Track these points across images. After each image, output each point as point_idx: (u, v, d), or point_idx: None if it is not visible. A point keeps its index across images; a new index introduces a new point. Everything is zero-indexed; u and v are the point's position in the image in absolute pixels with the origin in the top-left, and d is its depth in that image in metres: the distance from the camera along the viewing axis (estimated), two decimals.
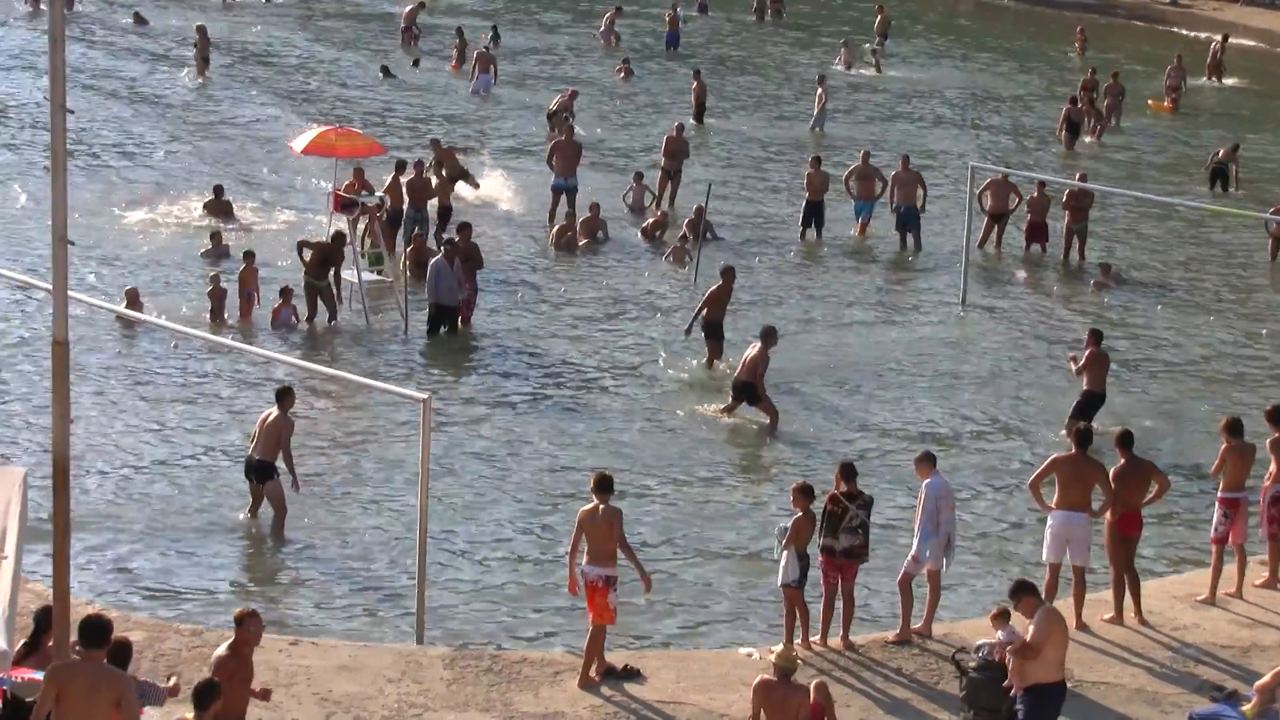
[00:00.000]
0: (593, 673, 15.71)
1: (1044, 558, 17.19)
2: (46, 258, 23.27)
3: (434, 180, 31.81)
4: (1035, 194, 32.49)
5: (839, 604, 16.54)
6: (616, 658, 16.12)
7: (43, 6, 49.01)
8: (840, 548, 16.36)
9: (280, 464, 19.21)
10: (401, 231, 29.83)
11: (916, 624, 16.79)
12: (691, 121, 41.64)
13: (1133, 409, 24.23)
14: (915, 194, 32.85)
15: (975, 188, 31.13)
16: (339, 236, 27.33)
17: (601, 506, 15.68)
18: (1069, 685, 14.58)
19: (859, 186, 33.34)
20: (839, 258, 32.36)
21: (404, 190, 30.71)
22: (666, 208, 34.31)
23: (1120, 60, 53.52)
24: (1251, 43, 58.53)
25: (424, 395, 17.41)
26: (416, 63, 48.59)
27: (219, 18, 53.02)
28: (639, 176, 35.08)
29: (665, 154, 35.35)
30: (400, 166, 31.16)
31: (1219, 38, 55.03)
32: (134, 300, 25.36)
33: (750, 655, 16.28)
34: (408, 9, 52.59)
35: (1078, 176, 34.20)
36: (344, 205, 28.40)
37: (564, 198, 33.12)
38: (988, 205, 32.41)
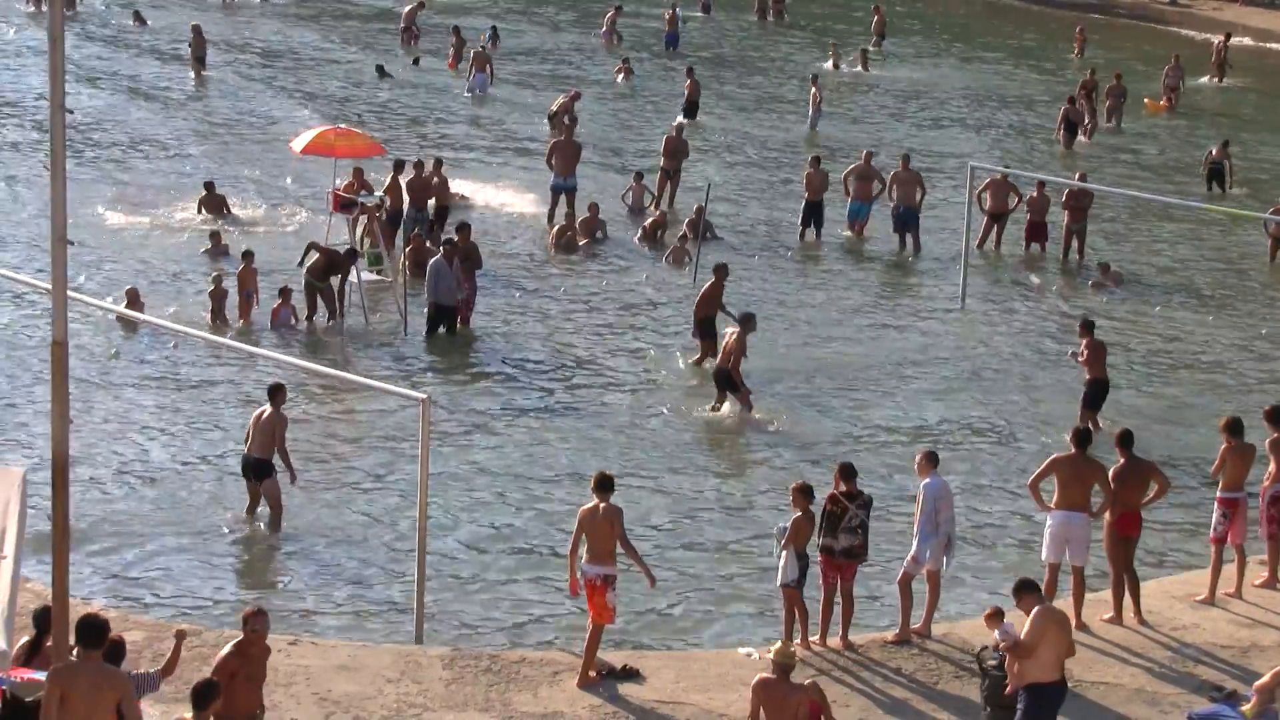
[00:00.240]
0: (592, 673, 15.71)
1: (1043, 558, 17.19)
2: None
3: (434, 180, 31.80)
4: (1035, 194, 32.50)
5: (838, 604, 16.54)
6: (616, 658, 16.13)
7: (44, 8, 49.00)
8: (839, 548, 16.36)
9: (277, 461, 19.24)
10: (401, 231, 29.81)
11: (916, 624, 16.79)
12: (683, 120, 41.78)
13: (1132, 409, 24.24)
14: (915, 194, 32.86)
15: (974, 188, 31.11)
16: (352, 253, 27.32)
17: (602, 505, 15.69)
18: (1068, 685, 14.56)
19: (857, 186, 33.33)
20: (838, 258, 32.37)
21: (404, 190, 30.70)
22: (666, 208, 34.31)
23: (1122, 59, 53.54)
24: (1251, 42, 58.51)
25: (423, 395, 17.42)
26: (417, 61, 48.59)
27: (219, 18, 53.04)
28: (639, 176, 35.08)
29: (665, 154, 35.34)
30: (399, 166, 31.15)
31: (1221, 37, 55.02)
32: (134, 300, 25.36)
33: (750, 655, 16.27)
34: (407, 9, 52.60)
35: (1077, 176, 34.20)
36: (344, 205, 28.43)
37: (563, 198, 33.12)
38: (987, 205, 32.41)
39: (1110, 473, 17.07)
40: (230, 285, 26.48)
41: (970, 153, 39.61)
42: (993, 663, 14.81)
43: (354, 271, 27.00)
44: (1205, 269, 32.66)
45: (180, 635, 13.79)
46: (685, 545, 19.54)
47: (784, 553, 16.17)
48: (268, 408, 19.34)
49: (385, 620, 17.46)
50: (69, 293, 12.01)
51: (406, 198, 30.69)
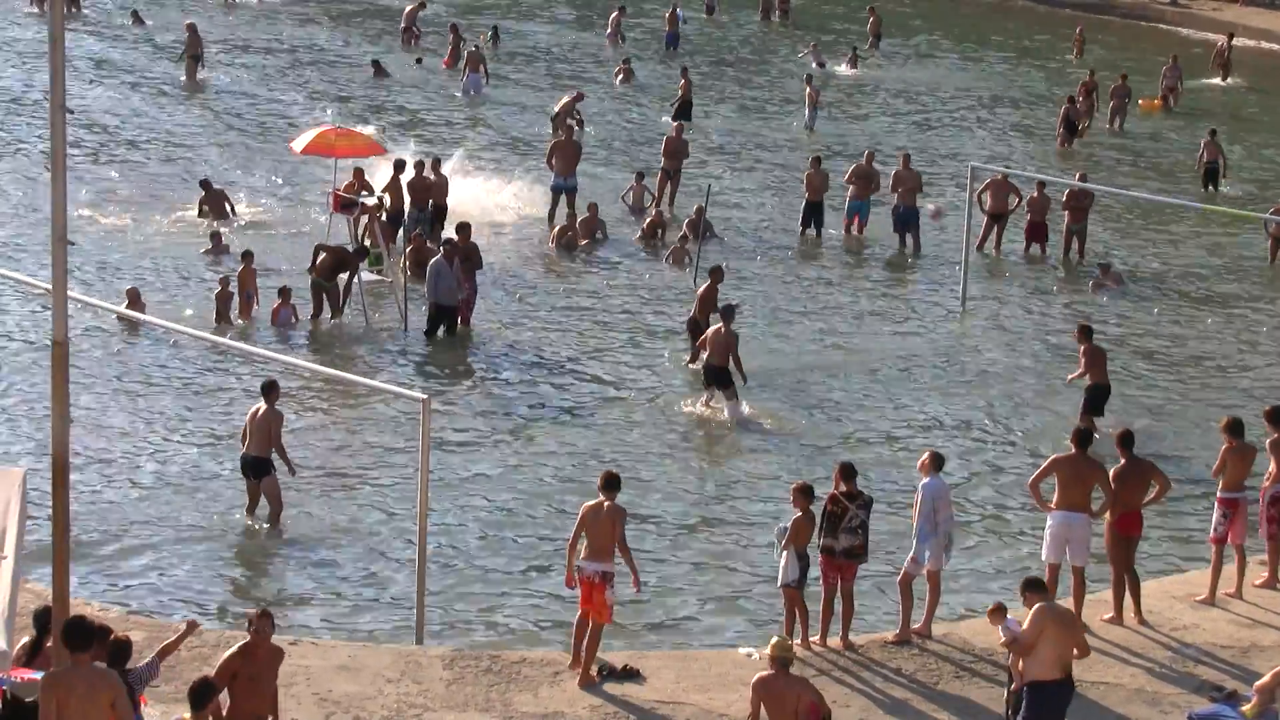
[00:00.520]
0: (592, 671, 15.72)
1: (1043, 558, 17.17)
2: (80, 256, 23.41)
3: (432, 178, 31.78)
4: (1035, 194, 32.50)
5: (839, 604, 16.54)
6: (617, 658, 16.13)
7: (45, 8, 48.97)
8: (840, 548, 16.36)
9: (275, 458, 19.25)
10: (402, 231, 29.80)
11: (916, 624, 16.80)
12: (674, 120, 41.92)
13: (1132, 409, 24.25)
14: (916, 194, 32.88)
15: (975, 188, 31.10)
16: (361, 250, 27.33)
17: (606, 503, 15.73)
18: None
19: (857, 185, 33.31)
20: (838, 258, 32.37)
21: (404, 190, 30.69)
22: (666, 208, 34.32)
23: (1122, 59, 53.53)
24: (1251, 42, 58.50)
25: (423, 395, 17.43)
26: (419, 61, 48.60)
27: (220, 18, 53.02)
28: (639, 177, 35.09)
29: (665, 154, 35.34)
30: (399, 166, 31.14)
31: (1224, 36, 55.06)
32: (135, 300, 25.36)
33: (750, 655, 16.27)
34: (408, 8, 52.59)
35: (1077, 176, 34.21)
36: (344, 205, 28.41)
37: (564, 198, 33.12)
38: (987, 205, 32.41)
39: (1111, 473, 17.07)
40: (233, 287, 26.46)
41: (962, 152, 39.65)
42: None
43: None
44: (1206, 269, 32.64)
45: (191, 625, 13.80)
46: (685, 545, 19.55)
47: (784, 553, 16.17)
48: (262, 405, 19.37)
49: (385, 620, 17.46)
50: (69, 293, 12.00)
51: (407, 198, 30.68)
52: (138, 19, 51.69)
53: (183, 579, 18.18)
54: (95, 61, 46.07)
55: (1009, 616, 14.50)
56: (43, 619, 12.72)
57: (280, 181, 34.74)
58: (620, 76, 48.05)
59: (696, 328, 25.32)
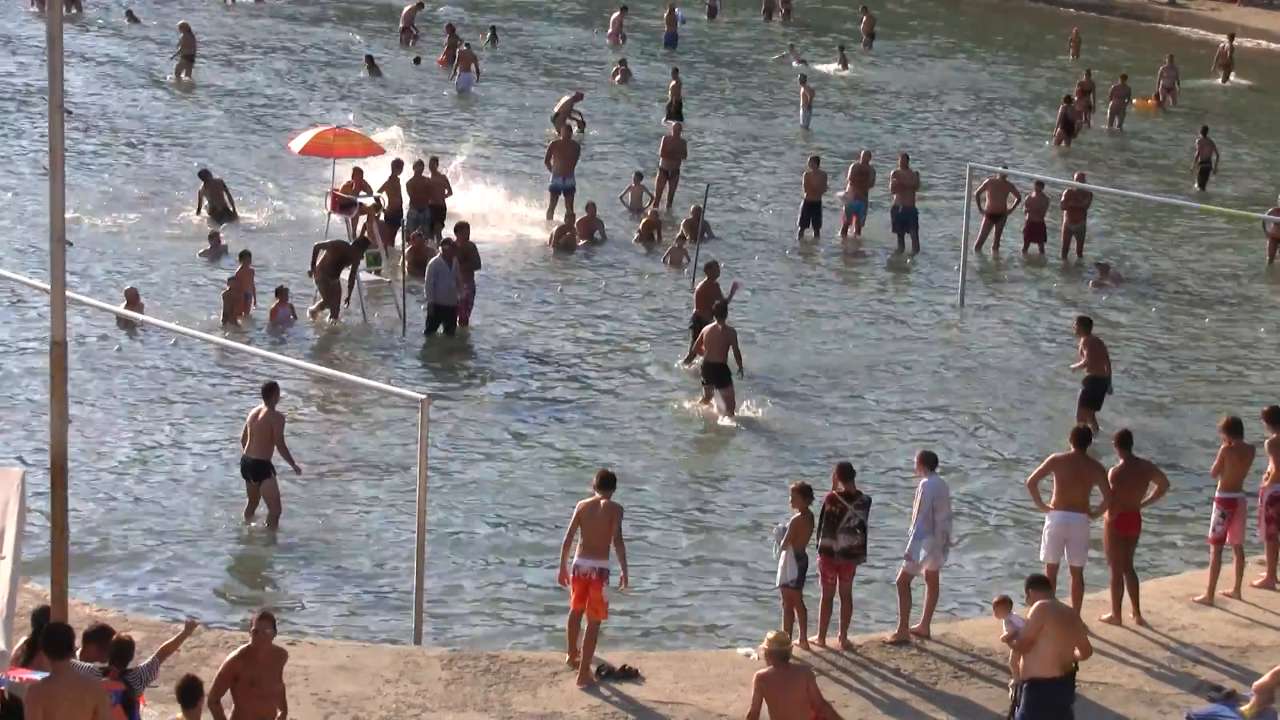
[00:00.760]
0: (591, 670, 15.73)
1: (1041, 558, 17.15)
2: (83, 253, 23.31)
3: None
4: (1034, 194, 32.51)
5: (837, 604, 16.54)
6: (616, 658, 16.14)
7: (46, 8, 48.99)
8: (839, 548, 16.36)
9: (275, 461, 19.23)
10: (401, 231, 29.78)
11: (915, 624, 16.80)
12: (666, 119, 42.14)
13: (1131, 409, 24.25)
14: (915, 194, 32.89)
15: (973, 188, 31.10)
16: (361, 242, 27.36)
17: (603, 501, 15.77)
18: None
19: (854, 184, 33.32)
20: (837, 257, 32.38)
21: (403, 190, 30.69)
22: (665, 208, 34.32)
23: (1122, 59, 53.54)
24: (1249, 42, 58.52)
25: (422, 395, 17.43)
26: (418, 61, 48.62)
27: (219, 17, 53.02)
28: (638, 177, 35.09)
29: (663, 154, 35.34)
30: (397, 166, 31.14)
31: (1226, 37, 55.14)
32: (134, 300, 25.35)
33: (749, 655, 16.26)
34: (406, 9, 52.62)
35: (1076, 176, 34.21)
36: (342, 205, 28.42)
37: (562, 198, 33.13)
38: (986, 205, 32.41)
39: (1109, 473, 17.06)
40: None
41: (960, 152, 39.67)
42: None
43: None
44: (1205, 269, 32.66)
45: (190, 626, 13.80)
46: (683, 545, 19.56)
47: (783, 553, 16.18)
48: (263, 407, 19.34)
49: (384, 620, 17.46)
50: (68, 293, 12.00)
51: (406, 198, 30.68)
52: (133, 18, 51.74)
53: (182, 580, 18.17)
54: (95, 62, 46.02)
55: (1013, 612, 14.52)
56: (42, 619, 12.72)
57: (277, 183, 34.70)
58: (618, 77, 48.09)
59: (700, 325, 25.33)
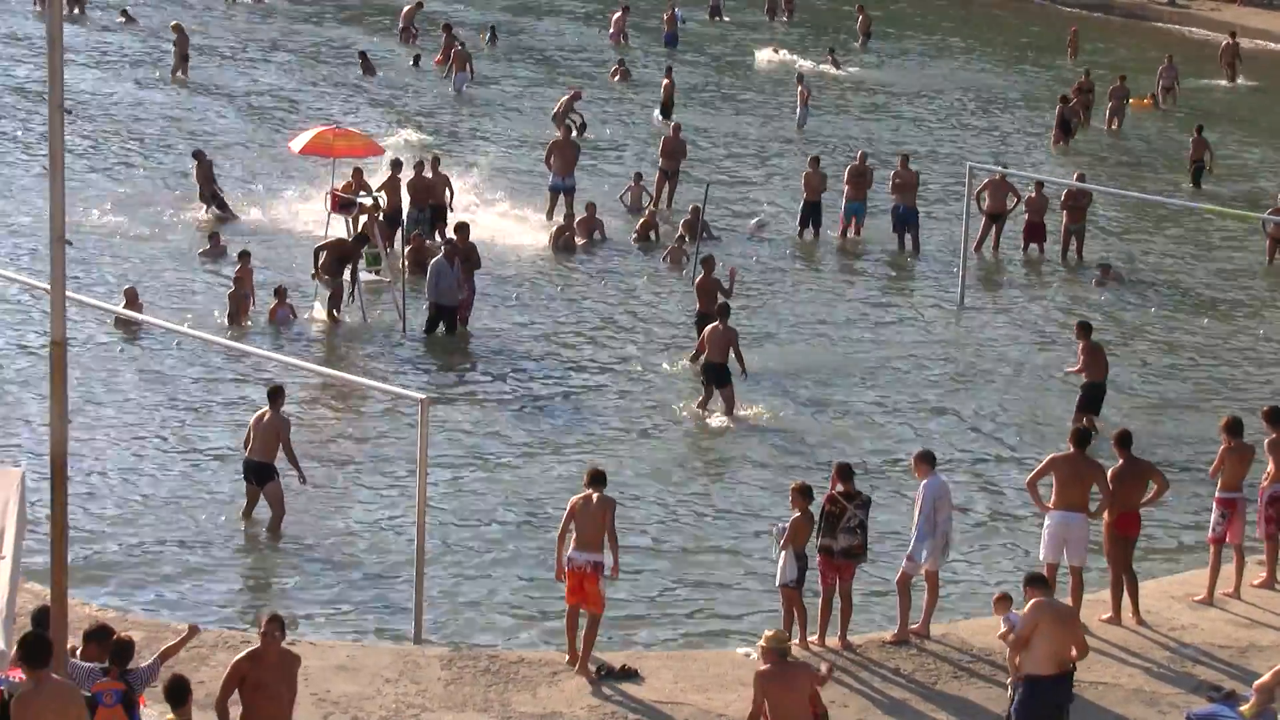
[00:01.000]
0: (590, 667, 15.76)
1: (1041, 558, 17.15)
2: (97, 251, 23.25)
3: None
4: (1034, 194, 32.51)
5: (837, 604, 16.55)
6: (616, 657, 16.14)
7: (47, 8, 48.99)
8: (839, 548, 16.36)
9: (279, 464, 19.20)
10: (402, 231, 29.77)
11: (914, 624, 16.80)
12: (659, 117, 42.23)
13: (1131, 409, 24.26)
14: (915, 194, 32.89)
15: (973, 188, 31.11)
16: (361, 238, 27.37)
17: (596, 495, 15.83)
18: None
19: (852, 186, 33.33)
20: (837, 258, 32.38)
21: (403, 189, 30.69)
22: (664, 208, 34.31)
23: (1122, 59, 53.55)
24: (1248, 42, 58.52)
25: (422, 395, 17.43)
26: (417, 61, 48.62)
27: (218, 17, 53.03)
28: (638, 177, 35.09)
29: (663, 154, 35.34)
30: (397, 165, 31.14)
31: (1228, 36, 55.20)
32: (133, 300, 25.35)
33: (748, 655, 16.25)
34: (406, 9, 52.67)
35: (1075, 176, 34.21)
36: (342, 205, 28.42)
37: (562, 198, 33.12)
38: (985, 205, 32.40)
39: (1109, 473, 17.06)
40: (243, 288, 26.42)
41: (951, 152, 39.65)
42: None
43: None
44: (1204, 269, 32.66)
45: (193, 630, 13.78)
46: (683, 545, 19.55)
47: (783, 553, 16.18)
48: (267, 410, 19.30)
49: (384, 620, 17.46)
50: (68, 293, 11.99)
51: (406, 197, 30.68)
52: (128, 17, 51.76)
53: (183, 581, 18.15)
54: (92, 61, 46.06)
55: (1012, 609, 14.53)
56: (42, 619, 12.71)
57: (276, 183, 34.72)
58: (617, 76, 48.11)
59: (705, 320, 25.36)
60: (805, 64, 50.80)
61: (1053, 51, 56.56)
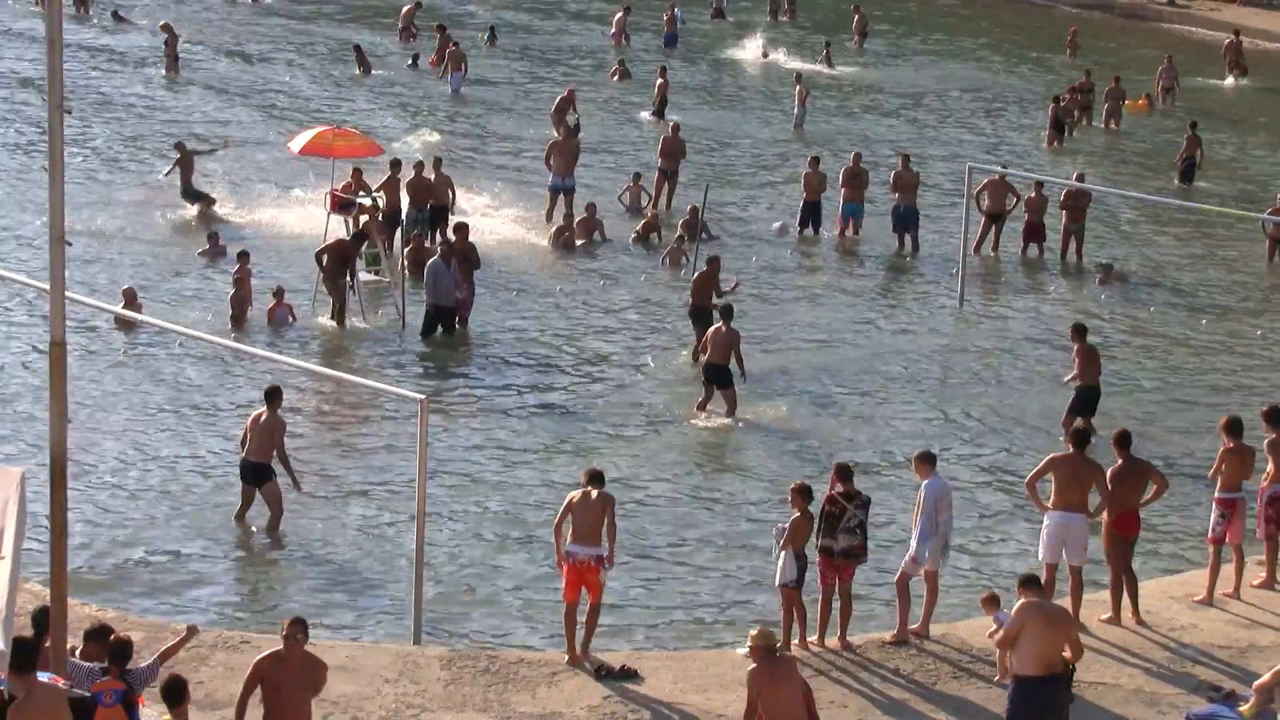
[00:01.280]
0: (588, 664, 15.79)
1: (1040, 558, 17.14)
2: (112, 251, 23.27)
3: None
4: (1033, 194, 32.51)
5: (837, 604, 16.55)
6: (615, 657, 16.14)
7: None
8: (839, 548, 16.36)
9: (275, 464, 19.19)
10: (401, 231, 29.77)
11: (914, 624, 16.80)
12: (652, 116, 42.48)
13: (1130, 409, 24.26)
14: (916, 194, 32.89)
15: (973, 188, 31.10)
16: (359, 236, 27.38)
17: (595, 491, 15.90)
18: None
19: (847, 187, 33.32)
20: (836, 258, 32.38)
21: (402, 189, 30.68)
22: (664, 208, 34.30)
23: (1122, 59, 53.54)
24: (1248, 42, 58.52)
25: (421, 395, 17.43)
26: (415, 60, 48.65)
27: (218, 16, 53.03)
28: (637, 177, 35.09)
29: (662, 154, 35.34)
30: (396, 165, 31.14)
31: (1232, 35, 55.23)
32: (131, 300, 25.35)
33: (747, 655, 16.25)
34: (405, 9, 52.70)
35: (1075, 176, 34.21)
36: (342, 205, 28.42)
37: (562, 198, 33.12)
38: (985, 205, 32.40)
39: (1108, 473, 17.06)
40: (244, 289, 26.41)
41: (950, 152, 39.65)
42: None
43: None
44: (1204, 269, 32.66)
45: (192, 630, 13.77)
46: (683, 545, 19.54)
47: (782, 553, 16.18)
48: (265, 410, 19.29)
49: (383, 620, 17.46)
50: (67, 293, 11.99)
51: (406, 197, 30.68)
52: (118, 18, 51.82)
53: (183, 581, 18.16)
54: (91, 62, 46.09)
55: (1001, 609, 14.52)
56: (42, 619, 12.71)
57: (275, 185, 34.72)
58: (616, 76, 48.13)
59: (698, 314, 25.38)
60: (794, 63, 50.80)
61: (1053, 51, 56.56)
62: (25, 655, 11.29)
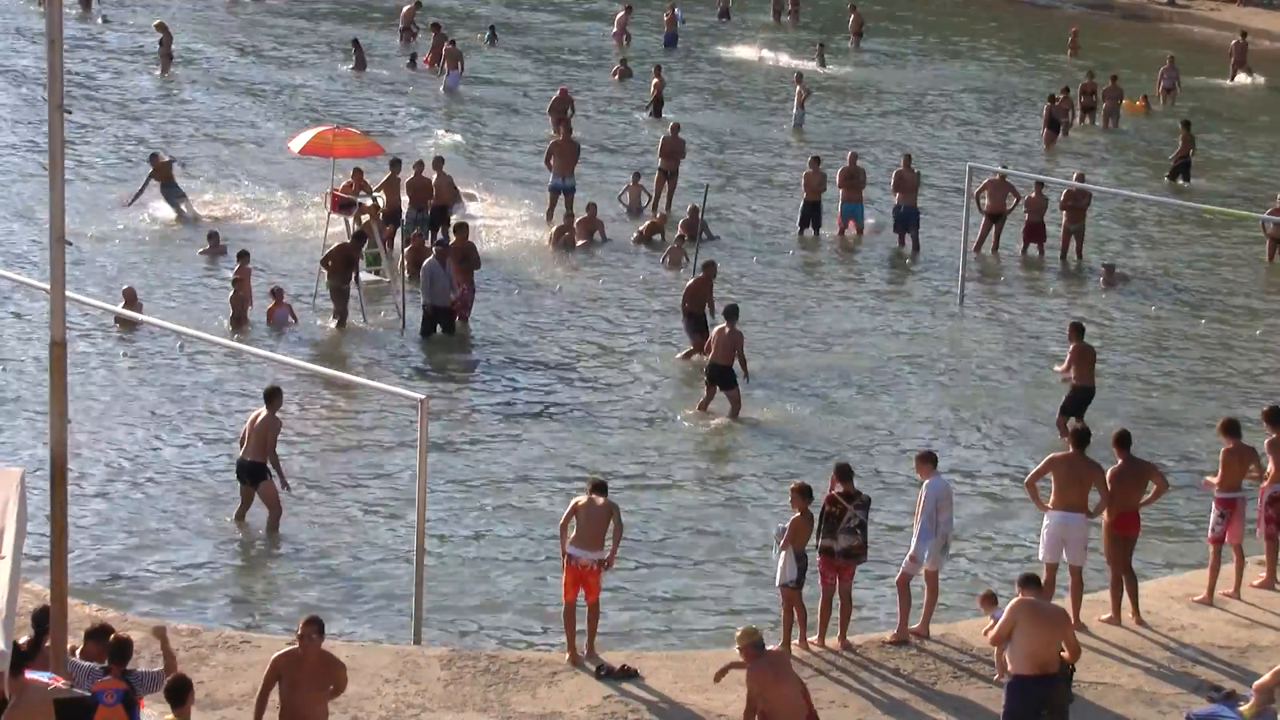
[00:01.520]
0: (589, 664, 15.81)
1: (1040, 558, 17.15)
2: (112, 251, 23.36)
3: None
4: (1033, 194, 32.51)
5: (837, 604, 16.55)
6: (615, 657, 16.15)
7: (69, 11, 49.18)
8: (839, 548, 16.37)
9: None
10: (401, 231, 29.77)
11: (914, 624, 16.80)
12: (649, 116, 42.54)
13: (1130, 408, 24.25)
14: (916, 194, 32.89)
15: (973, 188, 31.11)
16: (360, 236, 27.38)
17: (600, 499, 16.01)
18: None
19: (844, 188, 33.31)
20: (836, 257, 32.38)
21: (402, 189, 30.68)
22: (664, 209, 34.29)
23: (1123, 59, 53.54)
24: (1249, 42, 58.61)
25: (421, 395, 17.43)
26: (413, 60, 48.67)
27: (217, 17, 53.05)
28: (636, 177, 35.09)
29: (662, 154, 35.33)
30: (396, 165, 31.14)
31: (1239, 35, 55.26)
32: (131, 300, 25.35)
33: None
34: (405, 9, 52.72)
35: (1075, 176, 34.21)
36: (342, 205, 28.42)
37: (562, 198, 33.12)
38: (985, 205, 32.40)
39: (1108, 473, 17.06)
40: (243, 289, 26.41)
41: (949, 152, 39.67)
42: None
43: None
44: (1203, 269, 32.65)
45: (159, 631, 13.69)
46: (683, 545, 19.55)
47: (783, 553, 16.19)
48: (263, 410, 19.28)
49: (383, 620, 17.46)
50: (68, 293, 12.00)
51: (406, 197, 30.68)
52: (104, 20, 51.92)
53: (181, 581, 18.15)
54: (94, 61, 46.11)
55: (997, 608, 14.52)
56: (42, 619, 12.72)
57: (276, 185, 34.73)
58: (617, 75, 48.14)
59: (691, 319, 25.39)
60: (790, 63, 50.79)
61: (1054, 51, 56.56)
62: (15, 659, 11.30)
